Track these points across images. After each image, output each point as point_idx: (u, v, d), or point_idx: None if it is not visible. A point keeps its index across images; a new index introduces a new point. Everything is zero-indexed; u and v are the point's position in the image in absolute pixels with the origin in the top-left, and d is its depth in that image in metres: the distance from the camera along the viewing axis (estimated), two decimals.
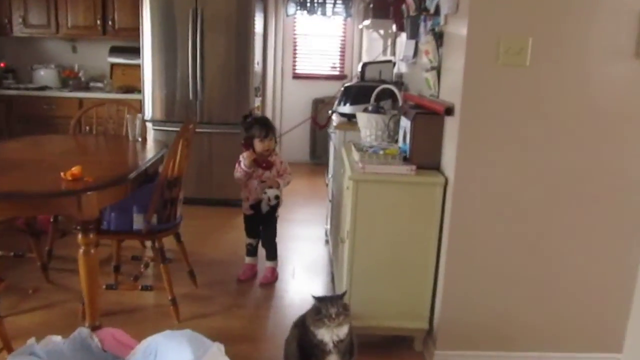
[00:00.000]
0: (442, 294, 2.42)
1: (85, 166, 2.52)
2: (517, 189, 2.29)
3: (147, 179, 2.78)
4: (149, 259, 3.19)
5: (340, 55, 6.81)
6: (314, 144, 6.93)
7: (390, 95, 3.32)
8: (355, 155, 2.64)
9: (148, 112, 4.72)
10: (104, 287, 2.81)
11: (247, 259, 3.39)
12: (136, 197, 2.70)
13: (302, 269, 3.58)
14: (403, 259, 2.47)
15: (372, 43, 5.59)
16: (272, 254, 3.37)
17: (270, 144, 3.18)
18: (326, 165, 6.74)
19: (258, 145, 3.15)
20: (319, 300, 2.17)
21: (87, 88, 5.21)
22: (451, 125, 2.35)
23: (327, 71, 6.87)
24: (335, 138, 3.49)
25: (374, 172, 2.40)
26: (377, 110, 3.10)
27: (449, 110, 2.31)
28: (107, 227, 2.74)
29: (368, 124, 2.96)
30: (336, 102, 3.94)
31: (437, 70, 2.57)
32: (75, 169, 2.37)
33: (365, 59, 6.13)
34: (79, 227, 2.32)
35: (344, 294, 2.36)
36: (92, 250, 2.36)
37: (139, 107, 4.70)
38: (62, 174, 2.34)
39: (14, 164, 2.68)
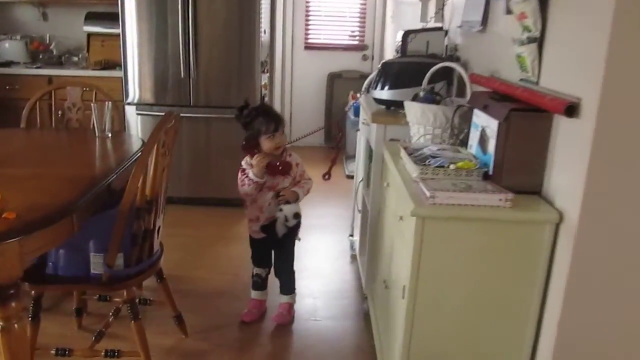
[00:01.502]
0: None
1: (15, 188, 1.71)
2: None
3: (112, 199, 1.95)
4: (121, 301, 2.37)
5: (360, 22, 5.87)
6: (329, 124, 6.05)
7: (444, 76, 2.45)
8: (412, 169, 1.79)
9: (133, 94, 3.86)
10: (52, 352, 2.00)
11: (254, 294, 2.57)
12: (93, 228, 1.88)
13: (325, 303, 2.76)
14: (488, 330, 1.64)
15: (400, 7, 4.67)
16: (288, 287, 2.56)
17: (282, 140, 2.34)
18: (343, 149, 5.92)
19: (267, 144, 2.30)
20: None
21: (59, 63, 4.34)
22: (572, 132, 1.49)
23: (344, 41, 5.94)
24: (369, 133, 2.63)
25: (449, 204, 1.55)
26: (432, 98, 2.24)
27: (572, 109, 1.45)
28: (53, 272, 1.92)
29: (422, 119, 2.10)
30: (366, 83, 3.08)
31: (539, 42, 1.69)
32: None
33: (390, 27, 5.22)
34: None
35: None
36: (16, 326, 1.54)
37: (118, 87, 3.86)
38: None
39: None
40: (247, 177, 2.30)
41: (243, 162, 2.35)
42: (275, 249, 2.49)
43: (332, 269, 3.15)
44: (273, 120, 2.31)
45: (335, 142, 2.61)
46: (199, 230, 3.64)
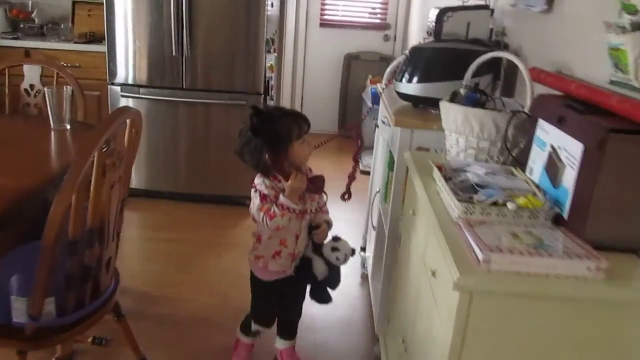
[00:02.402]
0: None
1: None
2: None
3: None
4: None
5: None
6: (343, 111, 5.52)
7: (490, 67, 1.92)
8: (451, 204, 1.28)
9: (118, 73, 3.35)
10: None
11: (243, 338, 2.05)
12: (16, 262, 1.41)
13: (328, 340, 2.27)
14: None
15: None
16: (293, 330, 2.06)
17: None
18: (362, 146, 5.37)
19: (301, 151, 1.71)
20: None
21: (41, 34, 3.84)
22: None
23: (364, 18, 5.36)
24: (391, 136, 2.11)
25: (510, 271, 1.03)
26: (476, 98, 1.70)
27: None
28: None
29: (464, 127, 1.57)
30: (388, 72, 2.55)
31: None
32: None
33: (417, 3, 4.64)
34: None
35: None
36: None
37: (104, 64, 3.36)
38: None
39: None
40: (277, 205, 1.66)
41: (260, 186, 1.70)
42: (294, 290, 1.93)
43: (339, 291, 2.64)
44: (302, 117, 1.73)
45: (355, 149, 2.02)
46: (190, 234, 3.15)
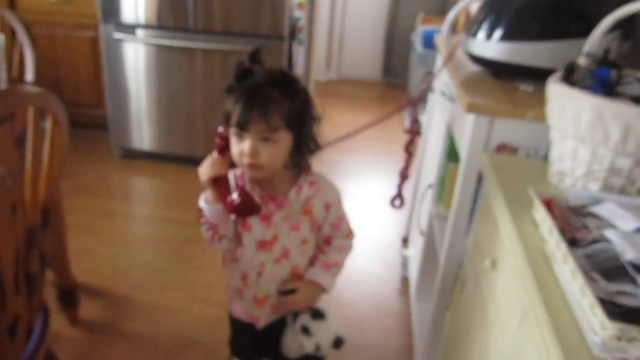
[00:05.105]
0: None
1: None
2: None
3: None
4: None
5: None
6: (388, 55, 4.79)
7: (622, 24, 1.22)
8: (589, 311, 0.66)
9: (115, 8, 2.73)
10: None
11: None
12: None
13: None
14: None
15: None
16: None
17: (266, 151, 1.04)
18: (405, 88, 4.69)
19: (233, 146, 1.07)
20: None
21: None
22: None
23: None
24: (455, 120, 1.46)
25: None
26: (607, 76, 1.03)
27: None
28: None
29: (592, 130, 0.92)
30: (451, 18, 1.86)
31: None
32: None
33: None
34: None
35: None
36: None
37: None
38: None
39: None
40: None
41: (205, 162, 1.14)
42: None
43: (371, 300, 2.08)
44: (255, 104, 1.01)
45: (408, 137, 1.38)
46: (193, 213, 2.60)
